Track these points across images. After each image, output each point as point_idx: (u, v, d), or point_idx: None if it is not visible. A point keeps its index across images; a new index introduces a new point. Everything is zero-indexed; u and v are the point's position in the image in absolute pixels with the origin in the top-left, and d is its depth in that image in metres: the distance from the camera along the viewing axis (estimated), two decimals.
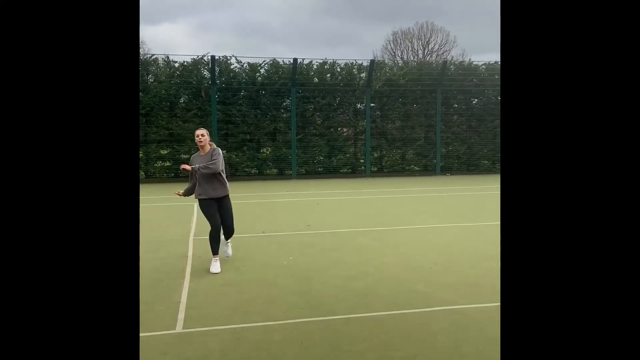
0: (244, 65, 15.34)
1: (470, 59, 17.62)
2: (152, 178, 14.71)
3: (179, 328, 3.70)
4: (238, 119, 14.99)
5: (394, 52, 34.55)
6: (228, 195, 5.36)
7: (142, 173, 14.71)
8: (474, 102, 17.00)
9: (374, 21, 45.99)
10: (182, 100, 15.14)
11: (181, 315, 3.93)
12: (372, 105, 16.07)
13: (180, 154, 14.93)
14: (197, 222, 8.03)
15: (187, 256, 5.83)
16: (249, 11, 48.14)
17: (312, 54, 52.71)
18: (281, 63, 15.51)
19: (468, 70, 16.80)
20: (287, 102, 15.57)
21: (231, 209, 5.41)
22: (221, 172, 5.22)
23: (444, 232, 7.15)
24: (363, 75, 16.02)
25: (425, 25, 34.29)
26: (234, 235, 5.75)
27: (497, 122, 16.76)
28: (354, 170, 16.29)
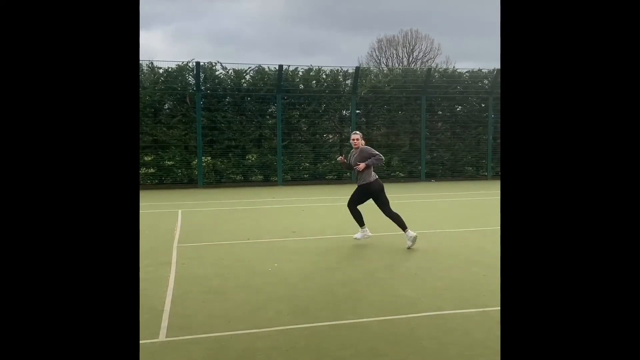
0: (229, 72, 15.31)
1: (454, 67, 17.84)
2: None
3: (162, 337, 3.64)
4: (223, 125, 14.93)
5: (379, 60, 34.83)
6: (365, 184, 6.64)
7: None
8: (458, 109, 17.19)
9: (347, 30, 46.45)
10: (166, 106, 15.04)
11: (165, 324, 3.87)
12: (357, 112, 16.15)
13: (165, 161, 14.80)
14: (181, 230, 7.95)
15: (171, 264, 5.76)
16: (222, 19, 48.29)
17: (288, 61, 52.91)
18: (266, 69, 15.52)
19: (452, 77, 16.99)
20: (273, 108, 15.57)
21: (358, 195, 6.73)
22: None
23: (429, 237, 7.18)
24: (348, 82, 16.10)
25: (409, 33, 34.66)
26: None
27: (481, 128, 16.95)
28: (339, 177, 16.31)
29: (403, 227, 6.48)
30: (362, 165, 6.46)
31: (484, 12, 40.03)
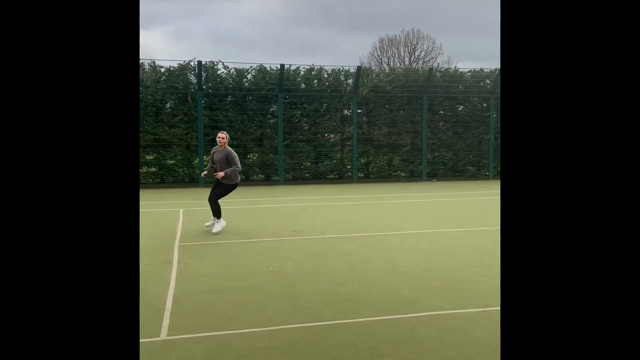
0: (231, 71, 15.31)
1: (455, 66, 17.83)
2: None
3: (163, 335, 3.65)
4: (224, 124, 14.93)
5: (381, 59, 34.79)
6: (233, 184, 7.61)
7: None
8: (460, 108, 17.16)
9: (347, 30, 46.34)
10: (168, 105, 15.04)
11: (166, 322, 3.88)
12: (358, 111, 16.14)
13: (166, 160, 14.80)
14: (182, 229, 7.96)
15: (172, 262, 5.77)
16: (222, 19, 48.15)
17: (288, 61, 52.91)
18: (268, 69, 15.52)
19: (454, 77, 16.97)
20: (274, 107, 15.56)
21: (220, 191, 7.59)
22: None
23: (429, 237, 7.18)
24: (350, 81, 16.09)
25: (411, 33, 34.62)
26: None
27: (482, 128, 16.94)
28: (340, 176, 16.31)
29: (218, 215, 7.48)
30: (221, 174, 7.39)
31: (486, 12, 39.97)
